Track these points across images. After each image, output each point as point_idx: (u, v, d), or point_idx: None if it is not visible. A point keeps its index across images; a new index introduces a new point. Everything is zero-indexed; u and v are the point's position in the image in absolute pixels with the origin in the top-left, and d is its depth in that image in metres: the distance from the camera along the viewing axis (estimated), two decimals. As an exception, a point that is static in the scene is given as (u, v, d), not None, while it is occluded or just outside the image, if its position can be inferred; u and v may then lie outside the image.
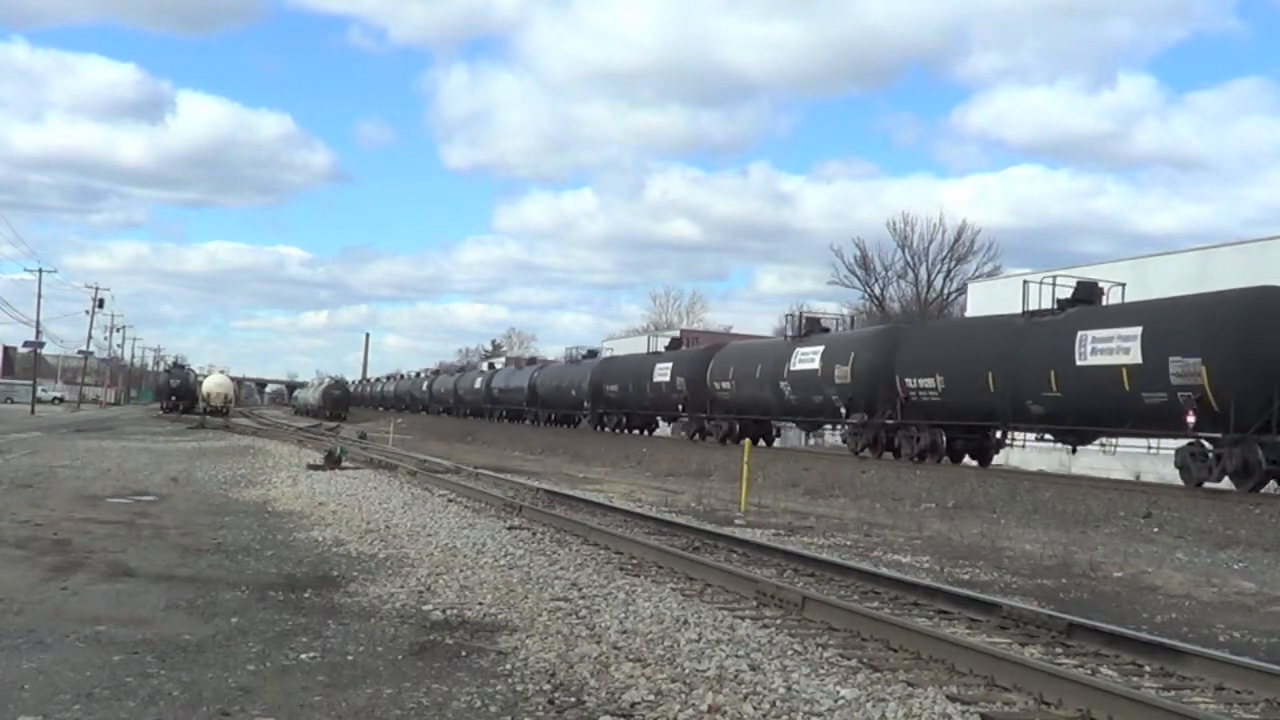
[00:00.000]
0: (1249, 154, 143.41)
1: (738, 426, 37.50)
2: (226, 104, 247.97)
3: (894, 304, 72.92)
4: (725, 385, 37.44)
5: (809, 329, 35.65)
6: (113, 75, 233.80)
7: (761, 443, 36.52)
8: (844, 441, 34.39)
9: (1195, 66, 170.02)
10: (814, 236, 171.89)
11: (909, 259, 73.54)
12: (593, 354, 58.66)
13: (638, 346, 65.35)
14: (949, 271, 72.96)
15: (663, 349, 49.17)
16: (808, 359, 32.66)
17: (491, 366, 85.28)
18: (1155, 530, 18.39)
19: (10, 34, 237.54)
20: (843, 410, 31.38)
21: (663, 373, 42.87)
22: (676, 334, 58.07)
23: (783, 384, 33.57)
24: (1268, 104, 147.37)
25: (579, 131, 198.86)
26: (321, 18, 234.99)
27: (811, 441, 45.22)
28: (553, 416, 57.47)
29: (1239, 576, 13.80)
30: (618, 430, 48.24)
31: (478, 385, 72.96)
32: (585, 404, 51.12)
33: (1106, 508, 20.04)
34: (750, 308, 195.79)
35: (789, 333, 37.42)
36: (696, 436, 40.79)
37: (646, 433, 47.43)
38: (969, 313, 49.88)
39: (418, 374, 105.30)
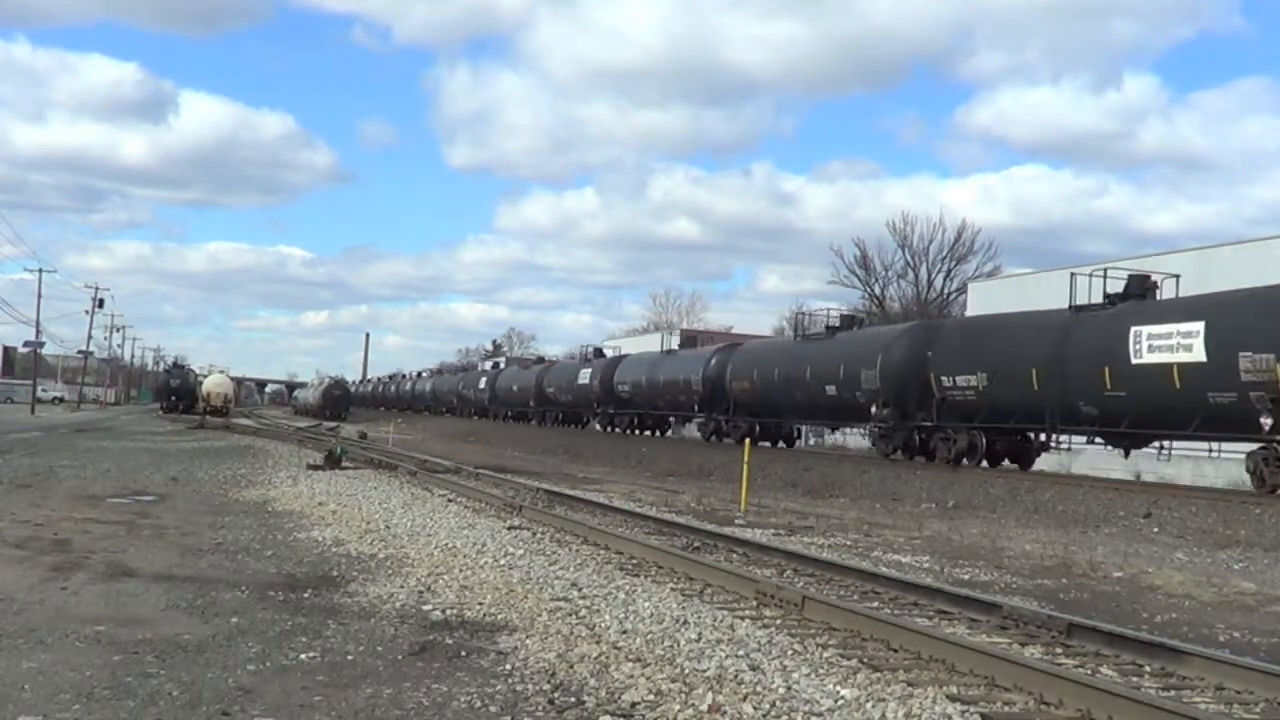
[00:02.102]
0: (1252, 153, 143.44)
1: (635, 419, 48.23)
2: (229, 104, 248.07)
3: (894, 304, 72.83)
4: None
5: (684, 343, 50.33)
6: (115, 75, 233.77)
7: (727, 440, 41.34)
8: (699, 430, 43.22)
9: (1200, 66, 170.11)
10: (816, 236, 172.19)
11: (909, 259, 73.47)
12: (540, 359, 65.56)
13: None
14: (949, 271, 72.89)
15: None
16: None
17: (495, 365, 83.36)
18: (1155, 530, 18.39)
19: (13, 33, 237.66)
20: (695, 407, 41.33)
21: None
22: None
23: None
24: (1272, 103, 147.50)
25: (582, 131, 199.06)
26: (325, 17, 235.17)
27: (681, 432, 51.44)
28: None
29: (1239, 576, 13.80)
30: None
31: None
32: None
33: (1106, 508, 20.04)
34: (752, 308, 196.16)
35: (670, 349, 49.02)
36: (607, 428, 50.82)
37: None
38: (969, 313, 49.86)
39: (418, 373, 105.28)
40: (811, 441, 45.37)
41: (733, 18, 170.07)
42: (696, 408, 41.24)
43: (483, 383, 73.73)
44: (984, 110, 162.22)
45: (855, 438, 40.23)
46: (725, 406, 38.72)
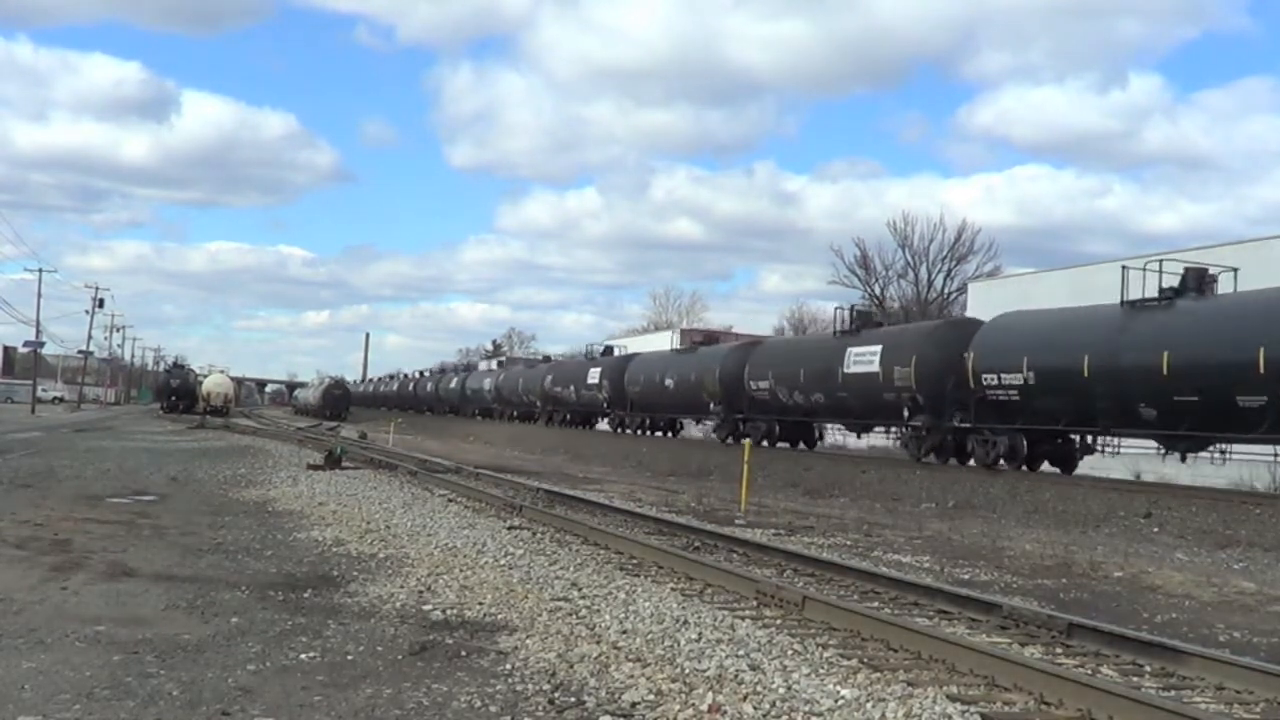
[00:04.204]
0: (1255, 153, 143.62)
1: (569, 416, 55.13)
2: (231, 103, 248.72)
3: (894, 304, 72.82)
4: (561, 390, 54.48)
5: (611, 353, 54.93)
6: (117, 74, 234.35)
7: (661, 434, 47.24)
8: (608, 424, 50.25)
9: (1204, 65, 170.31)
10: (818, 236, 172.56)
11: (909, 259, 73.48)
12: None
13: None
14: (949, 271, 72.91)
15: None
16: (591, 376, 50.59)
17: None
18: (1155, 530, 18.39)
19: (14, 33, 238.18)
20: (607, 404, 48.90)
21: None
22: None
23: (582, 388, 51.74)
24: (1275, 103, 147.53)
25: (584, 131, 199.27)
26: (328, 16, 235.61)
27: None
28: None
29: (1239, 576, 13.81)
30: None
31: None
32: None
33: (1106, 508, 20.03)
34: (754, 307, 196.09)
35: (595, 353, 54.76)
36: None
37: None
38: (969, 313, 49.88)
39: (420, 373, 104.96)
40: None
41: (736, 17, 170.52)
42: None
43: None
44: (987, 110, 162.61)
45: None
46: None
